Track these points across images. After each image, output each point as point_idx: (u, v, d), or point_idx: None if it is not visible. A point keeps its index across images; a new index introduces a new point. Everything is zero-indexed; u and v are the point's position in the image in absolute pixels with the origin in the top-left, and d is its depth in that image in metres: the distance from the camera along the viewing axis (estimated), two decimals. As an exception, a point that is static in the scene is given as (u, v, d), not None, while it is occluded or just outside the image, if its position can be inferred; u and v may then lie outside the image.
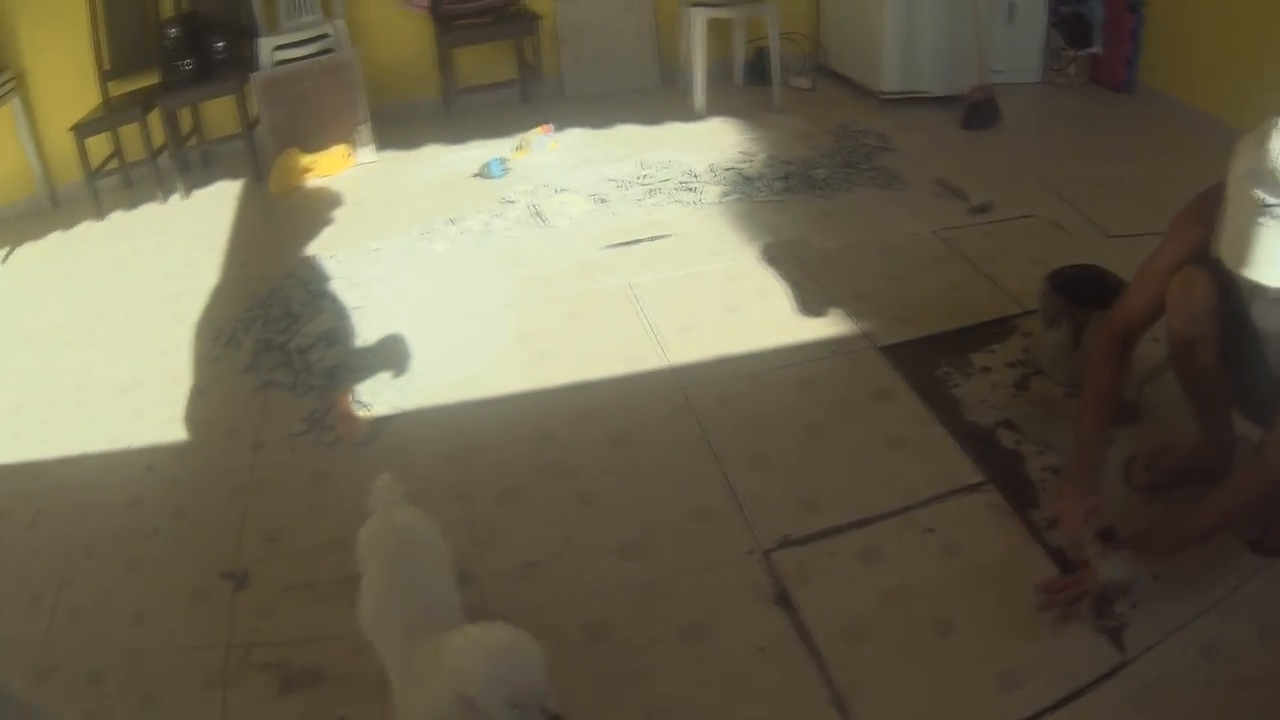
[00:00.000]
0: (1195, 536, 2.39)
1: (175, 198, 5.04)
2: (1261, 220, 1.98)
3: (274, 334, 3.66)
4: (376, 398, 3.30)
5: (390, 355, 3.53)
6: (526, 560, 2.67)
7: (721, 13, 5.75)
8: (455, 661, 1.82)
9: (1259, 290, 2.28)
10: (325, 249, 4.34)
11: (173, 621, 2.57)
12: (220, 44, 5.11)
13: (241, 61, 5.16)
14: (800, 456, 3.07)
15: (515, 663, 1.82)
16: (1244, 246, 2.02)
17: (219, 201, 5.00)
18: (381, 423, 3.21)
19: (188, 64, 4.97)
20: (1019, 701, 2.29)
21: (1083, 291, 3.29)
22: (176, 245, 4.52)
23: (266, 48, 5.00)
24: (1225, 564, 2.61)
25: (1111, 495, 2.74)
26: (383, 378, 3.41)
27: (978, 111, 5.65)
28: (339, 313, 3.75)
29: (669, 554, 2.70)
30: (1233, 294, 2.42)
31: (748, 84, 6.39)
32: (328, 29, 5.25)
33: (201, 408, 3.41)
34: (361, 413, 3.21)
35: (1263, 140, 1.99)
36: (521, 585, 2.59)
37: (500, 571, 2.61)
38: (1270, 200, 1.96)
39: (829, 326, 3.71)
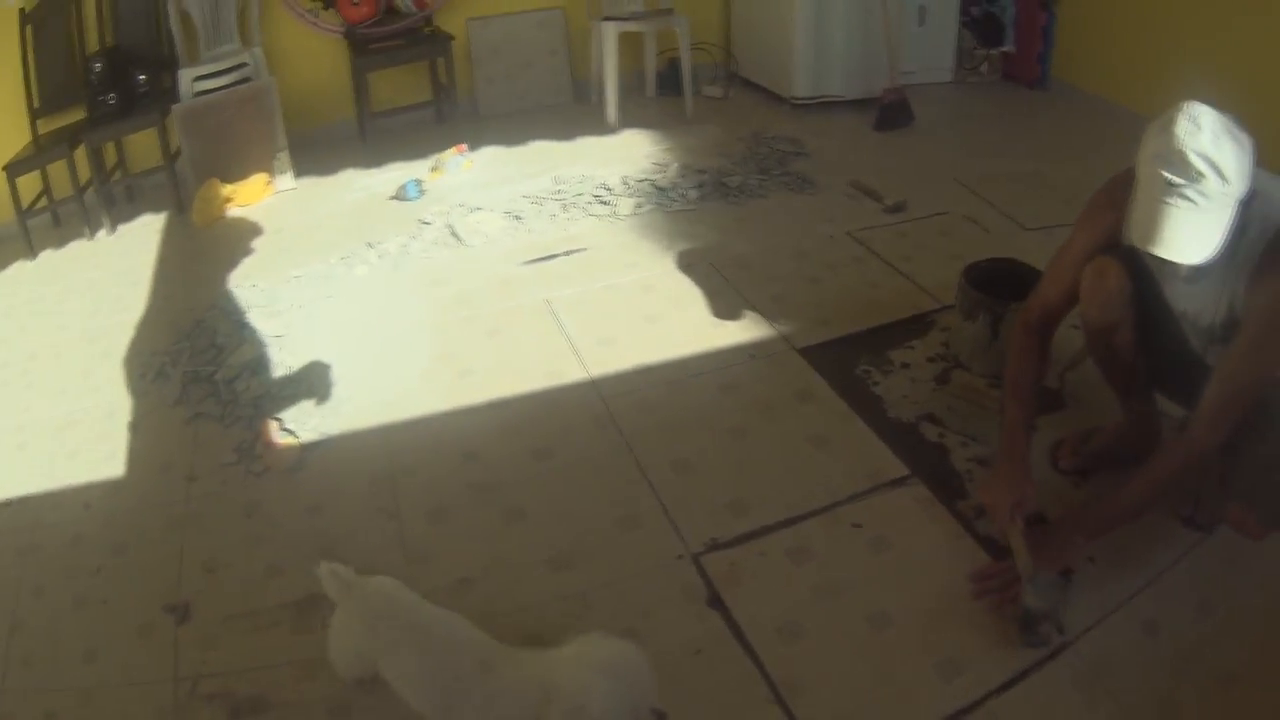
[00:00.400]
0: (1122, 516, 2.44)
1: (102, 233, 4.94)
2: (1169, 200, 2.03)
3: (201, 366, 3.62)
4: (303, 425, 3.27)
5: (314, 382, 3.50)
6: (459, 577, 2.66)
7: (632, 26, 5.80)
8: (569, 682, 1.84)
9: (1170, 273, 2.35)
10: (247, 279, 4.29)
11: (121, 658, 2.53)
12: (143, 77, 5.04)
13: (163, 94, 5.08)
14: (724, 460, 3.10)
15: (627, 674, 1.86)
16: (1152, 225, 2.07)
17: (144, 235, 4.92)
18: (309, 449, 3.19)
19: (111, 99, 4.89)
20: (961, 689, 2.32)
21: (1000, 284, 3.35)
22: (104, 282, 4.44)
23: (186, 79, 4.94)
24: (1160, 541, 2.66)
25: (1040, 481, 2.76)
26: (308, 405, 3.38)
27: (890, 113, 5.74)
28: (262, 342, 3.71)
29: (599, 563, 2.71)
30: (1146, 278, 2.49)
31: (660, 95, 6.43)
32: (246, 58, 5.19)
33: (134, 443, 3.35)
34: (288, 440, 3.18)
35: (1169, 124, 2.05)
36: (455, 602, 2.53)
37: (434, 590, 2.57)
38: (1176, 180, 2.01)
39: (747, 331, 3.75)
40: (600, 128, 5.84)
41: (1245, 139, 2.06)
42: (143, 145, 5.23)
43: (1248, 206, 2.12)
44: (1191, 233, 2.04)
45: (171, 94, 5.04)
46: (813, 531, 2.79)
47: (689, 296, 3.99)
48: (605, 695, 1.83)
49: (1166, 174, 2.03)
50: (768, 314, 3.84)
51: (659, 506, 2.90)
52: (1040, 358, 2.71)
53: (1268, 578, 2.60)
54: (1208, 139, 2.00)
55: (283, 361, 3.62)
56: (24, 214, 4.86)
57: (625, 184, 4.99)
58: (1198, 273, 2.28)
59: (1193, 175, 2.00)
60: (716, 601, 2.58)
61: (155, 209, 5.19)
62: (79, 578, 2.81)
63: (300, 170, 5.32)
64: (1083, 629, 2.46)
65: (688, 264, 4.24)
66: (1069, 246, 2.63)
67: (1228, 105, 2.07)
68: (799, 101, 6.05)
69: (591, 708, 1.82)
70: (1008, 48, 6.39)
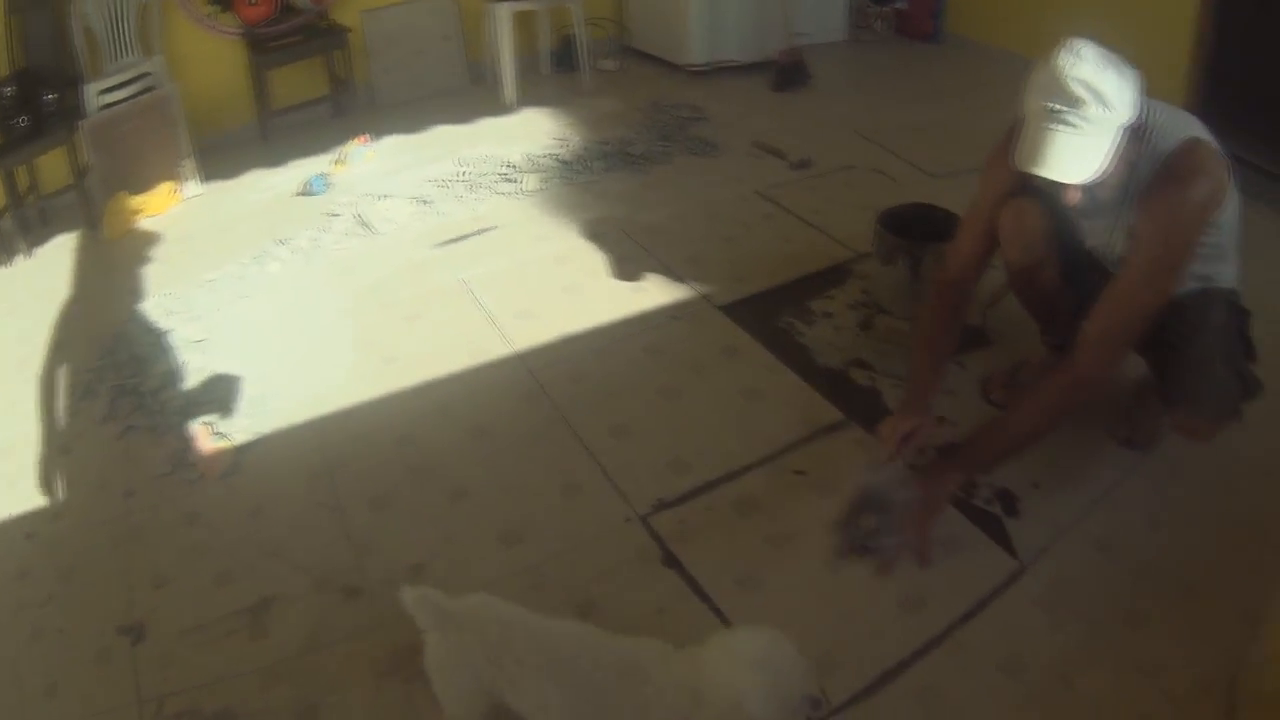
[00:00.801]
0: (1013, 443, 2.45)
1: (20, 258, 4.76)
2: (1051, 125, 2.08)
3: (125, 379, 3.51)
4: (233, 427, 3.19)
5: (240, 383, 3.41)
6: (411, 563, 2.62)
7: (525, 5, 5.73)
8: (721, 681, 1.76)
9: (1084, 210, 2.38)
10: (162, 287, 4.15)
11: (82, 688, 2.41)
12: (51, 96, 4.84)
13: (71, 111, 4.90)
14: (659, 421, 3.10)
15: (779, 665, 1.77)
16: (1036, 149, 2.11)
17: (60, 256, 4.71)
18: (242, 451, 3.10)
19: (23, 121, 4.71)
20: (926, 621, 2.37)
21: (914, 228, 3.39)
22: (27, 306, 4.24)
23: (91, 93, 4.76)
24: (1103, 463, 2.72)
25: (977, 415, 2.92)
26: (236, 407, 3.30)
27: (787, 74, 5.77)
28: (184, 348, 3.61)
29: (549, 534, 2.69)
30: (1062, 217, 2.52)
31: (556, 73, 6.37)
32: (148, 67, 5.01)
33: (68, 464, 3.22)
34: (221, 444, 3.10)
35: (1053, 57, 2.08)
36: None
37: (388, 579, 2.55)
38: (1058, 106, 2.07)
39: (667, 293, 3.75)
40: (499, 108, 5.77)
41: (1129, 70, 2.11)
42: (53, 165, 5.04)
43: (1140, 139, 2.19)
44: (1073, 155, 2.10)
45: (79, 110, 4.87)
46: (757, 482, 2.81)
47: (604, 265, 3.98)
48: (760, 691, 1.74)
49: (1049, 102, 2.09)
50: (685, 275, 3.85)
51: (601, 472, 2.89)
52: (950, 314, 2.72)
53: (1208, 489, 2.68)
54: (1089, 68, 2.05)
55: (206, 365, 3.52)
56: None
57: (529, 161, 4.94)
58: (1094, 205, 2.33)
59: (1074, 101, 2.06)
60: (672, 560, 2.58)
61: (68, 228, 4.97)
62: (31, 610, 2.67)
63: (206, 175, 5.18)
64: (1038, 551, 2.51)
65: (599, 233, 4.23)
66: (976, 201, 2.67)
67: (1112, 44, 2.13)
68: (695, 69, 6.05)
69: (748, 706, 1.73)
70: (900, 4, 6.46)
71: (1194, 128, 2.25)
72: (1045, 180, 2.17)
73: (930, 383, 2.67)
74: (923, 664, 2.27)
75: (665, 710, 1.79)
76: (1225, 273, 2.47)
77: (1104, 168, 2.13)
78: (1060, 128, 2.08)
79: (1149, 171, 2.22)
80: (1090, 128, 2.07)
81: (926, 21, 6.39)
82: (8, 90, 4.65)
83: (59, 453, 3.27)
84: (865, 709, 2.18)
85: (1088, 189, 2.20)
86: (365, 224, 4.43)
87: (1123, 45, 2.14)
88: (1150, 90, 2.17)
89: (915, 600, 2.40)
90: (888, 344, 3.35)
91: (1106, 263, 2.53)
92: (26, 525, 2.98)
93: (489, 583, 2.51)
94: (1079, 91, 2.05)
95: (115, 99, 4.88)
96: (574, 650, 1.88)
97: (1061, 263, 2.67)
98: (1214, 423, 2.55)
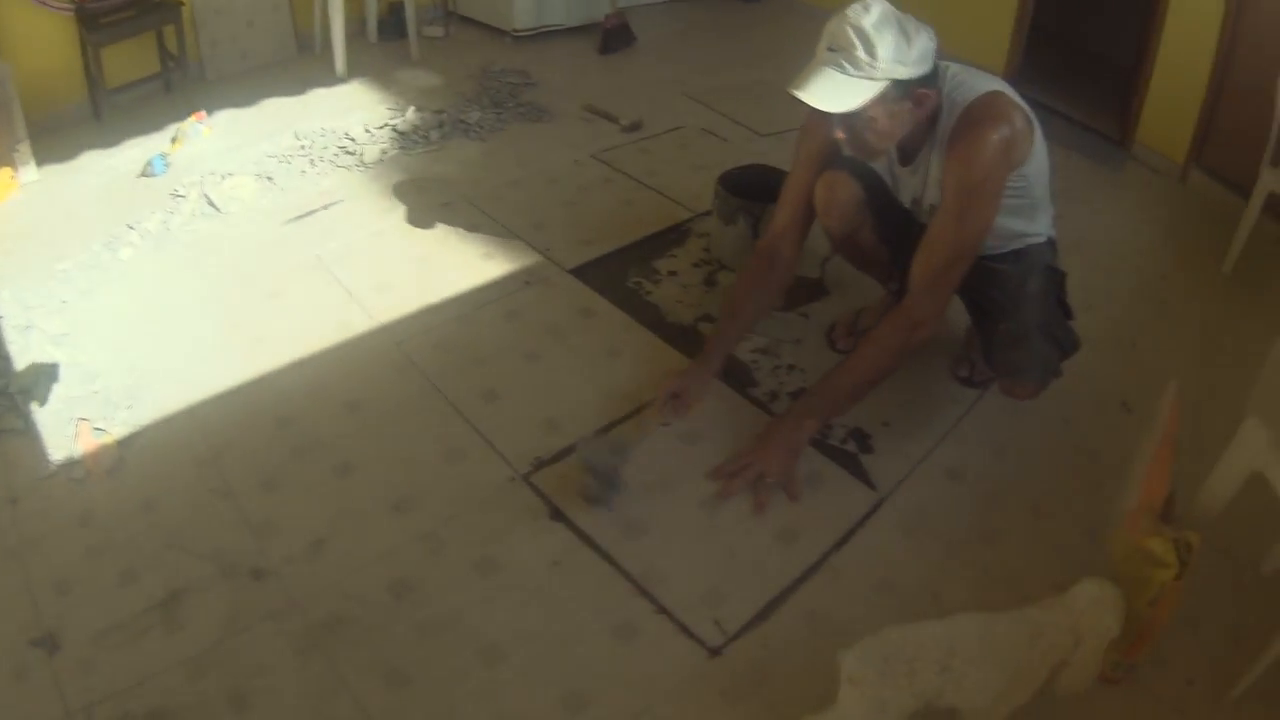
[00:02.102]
0: (859, 385, 2.63)
1: None
2: (822, 62, 2.31)
3: (-10, 382, 3.35)
4: (111, 421, 3.10)
5: (110, 375, 3.31)
6: (310, 540, 2.63)
7: (357, -28, 5.58)
8: (1090, 616, 1.93)
9: (896, 173, 2.56)
10: (12, 280, 3.92)
11: (4, 708, 2.31)
12: None
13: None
14: (527, 383, 3.18)
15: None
16: (803, 78, 2.32)
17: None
18: (125, 445, 3.01)
19: None
20: (802, 551, 2.55)
21: (753, 188, 3.52)
22: None
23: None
24: (947, 401, 2.92)
25: (826, 363, 3.07)
26: (110, 400, 3.19)
27: (613, 36, 5.81)
28: (47, 344, 3.47)
29: (438, 500, 2.75)
30: (875, 178, 2.68)
31: (383, 41, 6.20)
32: (-24, 46, 4.73)
33: (-65, 474, 3.06)
34: (103, 440, 3.01)
35: (846, 7, 2.29)
36: (314, 565, 2.56)
37: (289, 557, 2.58)
38: (831, 47, 2.29)
39: (517, 259, 3.80)
40: (330, 79, 5.63)
41: (918, 33, 2.29)
42: None
43: (938, 96, 2.39)
44: (831, 89, 2.28)
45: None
46: (626, 435, 2.89)
47: (453, 234, 4.00)
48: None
49: (825, 42, 2.31)
50: (533, 241, 3.90)
51: (479, 437, 2.96)
52: (763, 280, 2.90)
53: (1046, 420, 2.92)
54: (869, 21, 2.23)
55: (73, 360, 3.39)
56: None
57: (367, 132, 4.88)
58: (903, 160, 2.57)
59: (843, 45, 2.26)
60: (558, 514, 2.68)
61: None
62: None
63: (42, 159, 4.91)
64: (895, 482, 2.72)
65: (444, 202, 4.23)
66: (791, 174, 2.84)
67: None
68: (521, 33, 6.00)
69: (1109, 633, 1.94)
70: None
71: (995, 84, 2.42)
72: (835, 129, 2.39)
73: (721, 344, 2.89)
74: (804, 590, 2.46)
75: (1056, 653, 1.95)
76: (1039, 225, 2.68)
77: (860, 107, 2.30)
78: (827, 66, 2.28)
79: (950, 123, 2.40)
80: (854, 72, 2.25)
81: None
82: None
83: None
84: (759, 634, 2.36)
85: (879, 136, 2.41)
86: (212, 204, 4.31)
87: (949, 7, 2.31)
88: (975, 48, 2.38)
89: (789, 533, 2.58)
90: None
91: (922, 214, 2.68)
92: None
93: (388, 551, 2.59)
94: (851, 37, 2.24)
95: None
96: (991, 634, 1.97)
97: (882, 223, 2.83)
98: (1035, 387, 2.76)
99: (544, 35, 6.04)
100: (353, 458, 2.92)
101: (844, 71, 2.26)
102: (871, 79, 2.26)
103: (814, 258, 3.50)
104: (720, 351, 2.88)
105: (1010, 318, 2.68)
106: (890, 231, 2.85)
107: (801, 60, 2.40)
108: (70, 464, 2.97)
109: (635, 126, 4.77)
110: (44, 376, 3.30)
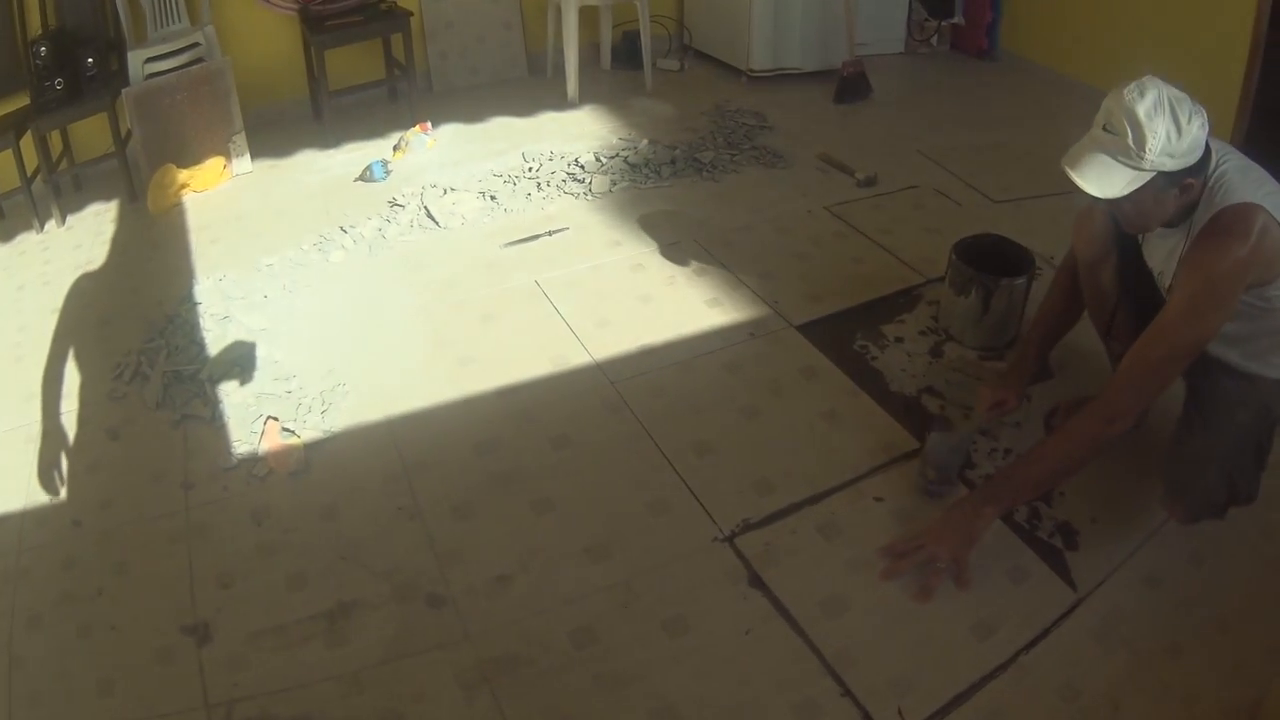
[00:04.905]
0: (1045, 477, 2.58)
1: (51, 225, 4.72)
2: (1092, 141, 2.31)
3: (183, 365, 3.46)
4: (302, 423, 3.16)
5: (308, 377, 3.39)
6: (495, 574, 2.61)
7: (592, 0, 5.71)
8: None
9: (1150, 236, 2.60)
10: (217, 269, 4.13)
11: (142, 688, 2.38)
12: (90, 60, 4.81)
13: (112, 77, 4.87)
14: (742, 440, 3.09)
15: None
16: (1073, 153, 2.33)
17: (97, 226, 4.71)
18: (313, 449, 3.07)
19: (58, 83, 4.65)
20: (995, 647, 2.43)
21: (987, 259, 3.44)
22: (62, 277, 4.24)
23: (136, 61, 4.73)
24: (1154, 502, 2.74)
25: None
26: (305, 402, 3.26)
27: (850, 85, 5.76)
28: (246, 337, 3.59)
29: (636, 551, 2.69)
30: (1128, 235, 2.68)
31: (616, 69, 6.35)
32: (197, 37, 4.99)
33: (117, 451, 3.18)
34: (291, 441, 3.07)
35: (1122, 86, 2.26)
36: (495, 600, 2.54)
37: (471, 589, 2.56)
38: (1104, 128, 2.28)
39: (743, 309, 3.74)
40: (560, 103, 5.76)
41: (1190, 122, 2.24)
42: (89, 132, 5.02)
43: (1202, 187, 2.35)
44: (1097, 173, 2.28)
45: (121, 77, 4.84)
46: (838, 507, 2.83)
47: (679, 275, 3.96)
48: None
49: (1101, 120, 2.31)
50: (760, 291, 3.83)
51: (686, 490, 2.90)
52: (1065, 294, 3.00)
53: (1245, 530, 2.74)
54: (1143, 108, 2.21)
55: (270, 356, 3.50)
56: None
57: (597, 160, 4.93)
58: (1157, 233, 2.54)
59: (1117, 129, 2.25)
60: (758, 581, 2.60)
61: (105, 197, 4.97)
62: (80, 604, 2.63)
63: (256, 152, 5.16)
64: (1094, 585, 2.60)
65: (672, 241, 4.21)
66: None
67: (1173, 77, 2.30)
68: (756, 74, 6.02)
69: None
70: (957, 19, 6.45)
71: (1261, 195, 2.33)
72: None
73: (1034, 355, 3.07)
74: (990, 687, 2.35)
75: None
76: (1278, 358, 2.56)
77: (1127, 194, 2.27)
78: (1096, 146, 2.29)
79: (1203, 221, 2.35)
80: (1121, 158, 2.25)
81: (982, 38, 6.39)
82: (41, 50, 4.61)
83: (107, 437, 3.25)
84: None
85: (1142, 217, 2.41)
86: (431, 216, 4.41)
87: (1174, 76, 2.28)
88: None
89: (985, 627, 2.48)
90: (957, 373, 3.39)
91: (1160, 287, 2.63)
92: (73, 511, 2.96)
93: (576, 597, 2.55)
94: (1122, 123, 2.23)
95: (161, 68, 4.86)
96: None
97: (1126, 267, 2.79)
98: (1189, 516, 2.68)
99: (779, 78, 6.03)
100: (553, 494, 2.89)
101: (1114, 158, 2.27)
102: (1139, 169, 2.25)
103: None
104: (1035, 354, 3.07)
105: (1203, 434, 2.61)
106: (1130, 281, 2.81)
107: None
108: (253, 460, 3.06)
109: (870, 181, 4.67)
110: (243, 357, 3.44)
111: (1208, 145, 2.32)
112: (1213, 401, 2.62)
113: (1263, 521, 2.76)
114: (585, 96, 5.80)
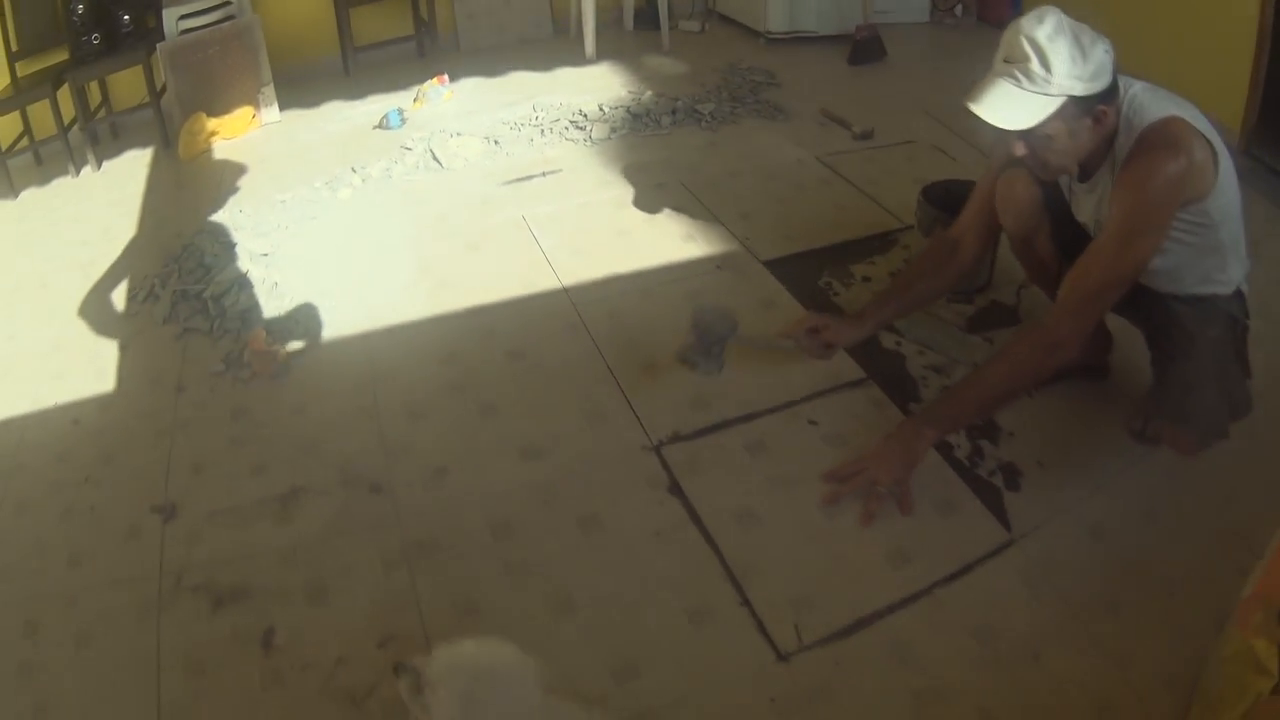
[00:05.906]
0: (978, 405, 2.52)
1: (87, 170, 4.97)
2: (997, 73, 2.24)
3: (190, 285, 3.67)
4: (289, 334, 3.35)
5: (299, 294, 3.57)
6: (435, 466, 2.75)
7: (617, -38, 5.79)
8: None
9: (1074, 189, 2.46)
10: (234, 204, 4.34)
11: (107, 560, 2.57)
12: (126, 17, 5.07)
13: (147, 33, 5.11)
14: (687, 361, 3.16)
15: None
16: (978, 90, 2.26)
17: (130, 170, 4.96)
18: (295, 357, 3.26)
19: (95, 38, 4.94)
20: (909, 577, 2.37)
21: (957, 201, 3.34)
22: (92, 215, 4.49)
23: (170, 18, 4.94)
24: (1109, 451, 2.69)
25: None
26: (294, 315, 3.45)
27: (864, 48, 5.76)
28: (249, 259, 3.77)
29: (567, 454, 2.79)
30: (1056, 191, 2.59)
31: (638, 30, 6.45)
32: (230, -4, 5.21)
33: (124, 361, 3.40)
34: (275, 348, 3.25)
35: (1022, 15, 2.22)
36: (430, 491, 2.67)
37: (409, 480, 2.70)
38: (1006, 59, 2.22)
39: (715, 244, 3.81)
40: (578, 59, 5.87)
41: (1093, 46, 2.17)
42: (127, 84, 5.27)
43: (1116, 116, 2.26)
44: (1004, 104, 2.21)
45: (156, 33, 5.05)
46: (770, 427, 2.86)
47: (659, 213, 4.05)
48: None
49: (1001, 53, 2.24)
50: (735, 229, 3.90)
51: (625, 403, 2.98)
52: (933, 265, 2.86)
53: (1206, 491, 2.61)
54: (1044, 32, 2.14)
55: (268, 277, 3.68)
56: (3, 155, 4.91)
57: (601, 110, 5.03)
58: (1080, 180, 2.46)
59: (1018, 57, 2.18)
60: (676, 489, 2.65)
61: (141, 145, 5.22)
62: (66, 490, 2.84)
63: (285, 104, 5.35)
64: (1030, 528, 2.51)
65: (659, 183, 4.29)
66: (985, 173, 2.76)
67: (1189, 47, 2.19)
68: (774, 36, 6.07)
69: None
70: (981, -12, 6.42)
71: (1177, 108, 2.26)
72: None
73: (878, 311, 2.88)
74: (898, 617, 2.29)
75: None
76: (1227, 273, 2.47)
77: (1036, 124, 2.21)
78: (1001, 78, 2.21)
79: (1126, 146, 2.26)
80: (1028, 84, 2.17)
81: (1006, 9, 6.32)
82: (79, 8, 4.85)
83: (116, 350, 3.46)
84: (834, 651, 2.22)
85: (1059, 155, 2.31)
86: (436, 158, 4.56)
87: (1183, 63, 2.19)
88: (1207, 106, 2.22)
89: (902, 554, 2.42)
90: (919, 312, 3.37)
91: (1096, 233, 2.51)
92: (73, 413, 3.18)
93: (503, 493, 2.66)
94: (1025, 48, 2.16)
95: (195, 25, 5.05)
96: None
97: (1060, 233, 2.70)
98: (1198, 441, 2.55)
99: (797, 40, 6.07)
100: (499, 401, 3.02)
101: (1019, 85, 2.19)
102: (1047, 94, 2.18)
103: (1011, 284, 3.37)
104: (875, 319, 2.87)
105: (1184, 359, 2.49)
106: (1066, 246, 2.71)
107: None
108: (240, 365, 3.25)
109: (867, 135, 4.70)
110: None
111: (1114, 76, 2.24)
112: (1181, 331, 2.50)
113: (1230, 485, 2.63)
114: (603, 54, 5.91)
